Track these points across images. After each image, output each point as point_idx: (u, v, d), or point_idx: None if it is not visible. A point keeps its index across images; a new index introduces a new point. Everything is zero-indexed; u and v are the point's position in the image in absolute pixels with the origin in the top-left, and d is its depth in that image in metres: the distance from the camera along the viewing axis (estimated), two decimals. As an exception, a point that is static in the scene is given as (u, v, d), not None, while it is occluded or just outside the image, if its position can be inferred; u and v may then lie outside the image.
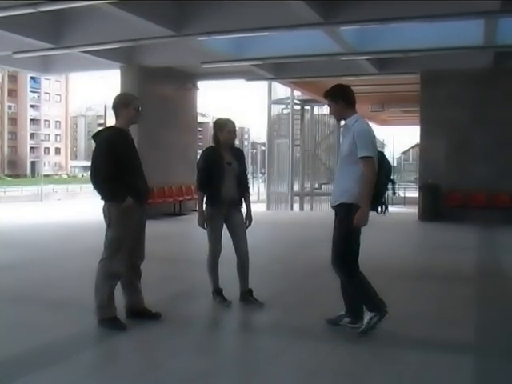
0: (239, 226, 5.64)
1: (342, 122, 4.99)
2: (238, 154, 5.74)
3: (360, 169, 4.55)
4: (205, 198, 5.62)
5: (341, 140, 4.96)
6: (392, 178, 5.05)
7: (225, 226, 5.64)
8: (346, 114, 4.79)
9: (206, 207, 5.63)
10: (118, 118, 4.94)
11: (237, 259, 5.70)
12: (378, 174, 4.67)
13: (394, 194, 5.12)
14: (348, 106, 4.78)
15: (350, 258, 4.68)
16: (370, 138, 4.65)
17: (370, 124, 4.92)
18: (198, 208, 5.67)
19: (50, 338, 4.67)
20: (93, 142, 4.97)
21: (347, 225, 4.58)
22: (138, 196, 4.87)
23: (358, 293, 4.76)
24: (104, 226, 4.91)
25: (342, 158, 4.78)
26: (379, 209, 4.86)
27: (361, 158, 4.54)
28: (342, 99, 4.77)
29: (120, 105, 4.92)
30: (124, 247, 4.80)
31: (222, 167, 5.51)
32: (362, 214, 4.55)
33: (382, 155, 4.87)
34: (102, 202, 4.91)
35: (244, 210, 5.77)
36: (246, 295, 5.69)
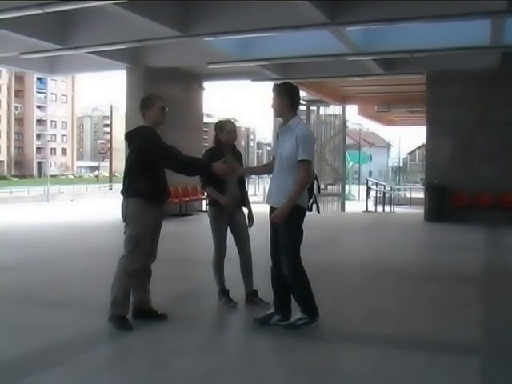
0: (242, 227, 5.69)
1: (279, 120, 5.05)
2: (238, 156, 5.81)
3: None
4: (208, 200, 5.68)
5: (278, 139, 4.96)
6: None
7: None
8: (287, 114, 4.86)
9: (210, 208, 5.67)
10: (146, 118, 5.02)
11: (240, 260, 5.73)
12: None
13: (319, 191, 5.19)
14: (292, 107, 4.88)
15: (297, 249, 4.81)
16: (313, 142, 4.79)
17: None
18: (216, 198, 5.56)
19: (54, 338, 4.68)
20: (124, 140, 5.07)
21: (293, 225, 4.74)
22: (161, 194, 4.97)
23: (302, 289, 4.84)
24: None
25: (281, 159, 4.83)
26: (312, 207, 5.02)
27: (300, 161, 4.66)
28: (288, 99, 4.86)
29: (144, 107, 5.02)
30: (141, 244, 4.83)
31: None
32: (283, 213, 4.68)
33: None
34: (121, 199, 4.94)
35: (245, 210, 5.81)
36: (252, 296, 5.71)
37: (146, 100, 5.11)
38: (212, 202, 5.67)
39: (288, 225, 4.77)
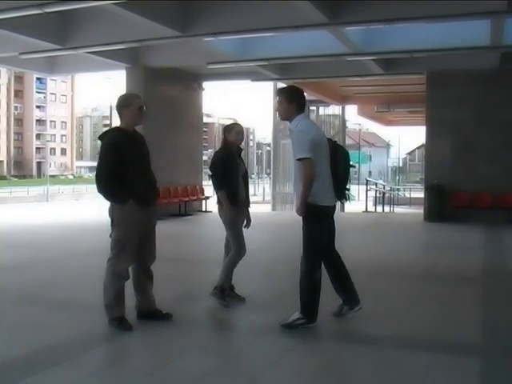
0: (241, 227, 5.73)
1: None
2: (241, 155, 5.93)
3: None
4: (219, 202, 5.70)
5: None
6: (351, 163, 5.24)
7: (221, 222, 5.73)
8: (292, 117, 4.92)
9: (227, 210, 5.65)
10: (122, 118, 4.92)
11: (224, 255, 5.81)
12: (335, 164, 4.90)
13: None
14: (298, 110, 4.92)
15: (317, 250, 4.90)
16: (303, 138, 4.75)
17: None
18: (225, 206, 5.62)
19: (54, 338, 4.68)
20: (99, 142, 4.99)
21: (309, 222, 4.82)
22: (141, 198, 4.79)
23: (309, 292, 4.90)
24: (108, 226, 4.91)
25: (294, 163, 4.92)
26: (345, 198, 5.12)
27: (297, 160, 4.72)
28: (296, 101, 4.92)
29: (122, 106, 4.90)
30: (128, 247, 4.80)
31: (237, 168, 5.68)
32: (298, 210, 4.78)
33: (334, 144, 5.06)
34: (108, 203, 4.91)
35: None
36: (215, 290, 5.76)
37: (125, 99, 4.99)
38: (229, 204, 5.64)
39: (304, 224, 4.86)
